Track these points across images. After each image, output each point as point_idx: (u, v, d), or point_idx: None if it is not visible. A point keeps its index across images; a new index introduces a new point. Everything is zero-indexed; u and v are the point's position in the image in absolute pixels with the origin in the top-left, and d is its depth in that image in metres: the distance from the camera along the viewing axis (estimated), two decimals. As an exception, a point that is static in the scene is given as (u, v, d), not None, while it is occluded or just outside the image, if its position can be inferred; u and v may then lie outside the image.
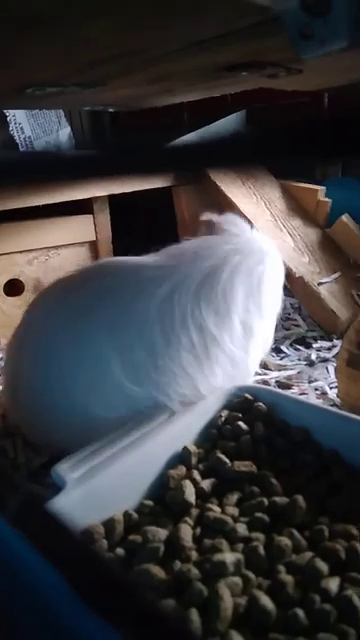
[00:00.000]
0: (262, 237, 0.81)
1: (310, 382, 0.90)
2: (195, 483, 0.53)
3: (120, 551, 0.48)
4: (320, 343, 1.03)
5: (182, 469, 0.55)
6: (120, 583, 0.31)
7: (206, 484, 0.53)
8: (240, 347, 0.68)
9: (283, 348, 1.03)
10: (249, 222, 1.19)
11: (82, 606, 0.30)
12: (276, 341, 0.99)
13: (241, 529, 0.48)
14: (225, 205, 1.24)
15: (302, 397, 0.82)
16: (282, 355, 1.01)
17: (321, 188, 1.27)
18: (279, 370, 0.94)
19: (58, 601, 0.31)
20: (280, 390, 0.76)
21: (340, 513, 0.50)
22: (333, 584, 0.44)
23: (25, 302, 1.24)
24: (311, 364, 0.97)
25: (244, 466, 0.54)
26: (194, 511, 0.51)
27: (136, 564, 0.45)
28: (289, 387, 0.88)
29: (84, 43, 0.45)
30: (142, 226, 1.55)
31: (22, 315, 0.72)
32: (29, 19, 0.38)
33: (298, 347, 1.03)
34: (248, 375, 0.73)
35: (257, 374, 0.90)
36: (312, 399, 0.84)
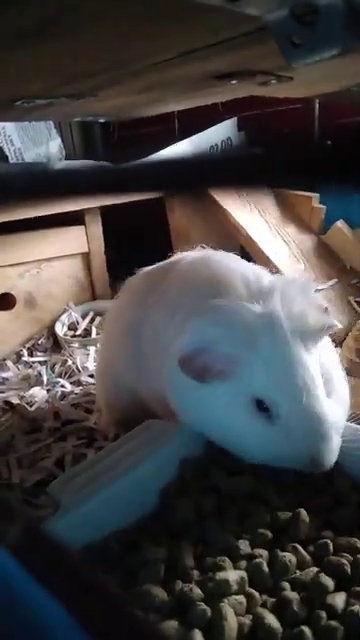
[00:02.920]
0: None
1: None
2: (195, 500, 0.52)
3: (119, 572, 0.47)
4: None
5: (181, 485, 0.54)
6: (120, 608, 0.30)
7: (207, 501, 0.52)
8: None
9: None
10: (243, 230, 1.20)
11: (82, 633, 0.29)
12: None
13: (243, 546, 0.47)
14: (219, 214, 1.24)
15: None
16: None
17: (315, 195, 1.27)
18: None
19: (56, 626, 0.30)
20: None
21: (344, 526, 0.49)
22: (339, 600, 0.43)
23: (17, 316, 1.23)
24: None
25: (245, 481, 0.53)
26: (194, 529, 0.49)
27: (137, 585, 0.44)
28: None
29: (74, 55, 0.45)
30: (134, 237, 1.55)
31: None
32: (19, 33, 0.37)
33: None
34: None
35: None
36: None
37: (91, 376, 1.04)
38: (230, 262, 0.69)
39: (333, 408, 0.54)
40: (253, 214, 1.23)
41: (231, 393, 0.54)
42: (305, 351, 0.54)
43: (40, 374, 1.08)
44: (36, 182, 0.25)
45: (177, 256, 0.77)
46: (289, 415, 0.52)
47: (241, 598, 0.43)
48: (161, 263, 0.78)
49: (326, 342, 0.60)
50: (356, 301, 1.11)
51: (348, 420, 0.58)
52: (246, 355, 0.54)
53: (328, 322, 0.56)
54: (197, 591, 0.43)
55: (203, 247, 0.76)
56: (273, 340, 0.53)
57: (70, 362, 1.10)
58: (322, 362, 0.57)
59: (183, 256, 0.75)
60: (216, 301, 0.58)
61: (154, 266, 0.79)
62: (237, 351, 0.54)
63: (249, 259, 0.86)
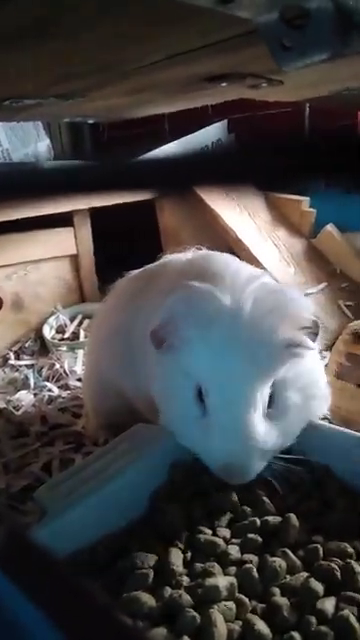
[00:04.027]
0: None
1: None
2: (184, 505, 0.51)
3: (108, 578, 0.46)
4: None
5: (171, 490, 0.54)
6: (106, 615, 0.30)
7: (196, 506, 0.52)
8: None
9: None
10: (233, 233, 1.20)
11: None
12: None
13: (233, 551, 0.47)
14: (209, 216, 1.24)
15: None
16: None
17: (305, 199, 1.28)
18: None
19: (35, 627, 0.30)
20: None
21: (334, 531, 0.49)
22: (329, 605, 0.42)
23: (4, 318, 1.21)
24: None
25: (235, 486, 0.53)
26: (184, 534, 0.49)
27: (125, 591, 0.44)
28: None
29: (65, 57, 0.44)
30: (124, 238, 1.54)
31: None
32: (11, 34, 0.37)
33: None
34: None
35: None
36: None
37: (79, 380, 1.03)
38: (228, 259, 0.69)
39: (266, 429, 0.51)
40: (243, 216, 1.23)
41: (180, 372, 0.54)
42: (252, 359, 0.51)
43: (27, 378, 1.07)
44: (24, 181, 0.25)
45: (165, 258, 0.77)
46: (213, 412, 0.51)
47: (231, 604, 0.42)
48: (149, 265, 0.78)
49: (311, 363, 0.57)
50: (346, 305, 1.12)
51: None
52: (197, 339, 0.53)
53: (297, 340, 0.52)
54: (186, 597, 0.42)
55: (200, 248, 0.76)
56: (225, 334, 0.52)
57: (58, 366, 1.09)
58: (286, 382, 0.53)
59: (172, 257, 0.75)
60: (191, 282, 0.57)
61: (142, 269, 0.79)
62: (190, 332, 0.53)
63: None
